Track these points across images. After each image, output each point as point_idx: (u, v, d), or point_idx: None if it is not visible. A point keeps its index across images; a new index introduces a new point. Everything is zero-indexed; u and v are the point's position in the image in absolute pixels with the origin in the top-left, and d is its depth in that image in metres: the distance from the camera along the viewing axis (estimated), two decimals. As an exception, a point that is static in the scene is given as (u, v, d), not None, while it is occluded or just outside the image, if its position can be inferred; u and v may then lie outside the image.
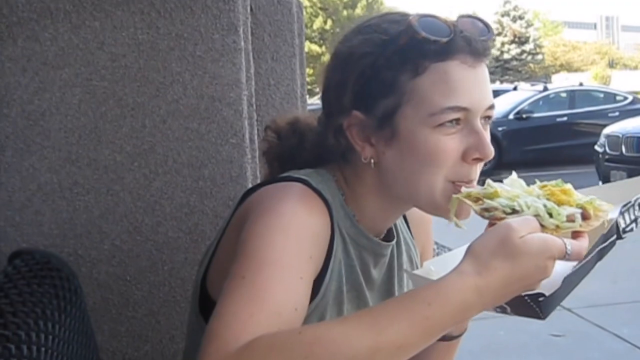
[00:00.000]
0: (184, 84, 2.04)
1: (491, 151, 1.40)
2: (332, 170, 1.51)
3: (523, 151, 18.69)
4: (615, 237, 1.39)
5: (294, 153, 1.57)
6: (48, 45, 1.98)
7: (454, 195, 1.35)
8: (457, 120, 1.37)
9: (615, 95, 20.87)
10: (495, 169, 18.59)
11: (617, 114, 18.30)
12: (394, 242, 1.60)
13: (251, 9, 2.24)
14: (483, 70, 1.41)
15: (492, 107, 1.43)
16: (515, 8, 67.21)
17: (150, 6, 2.03)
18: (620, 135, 12.26)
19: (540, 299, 1.23)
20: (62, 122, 1.99)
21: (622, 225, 1.40)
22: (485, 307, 1.19)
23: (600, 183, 12.64)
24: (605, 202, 1.38)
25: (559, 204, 1.31)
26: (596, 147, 13.07)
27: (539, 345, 5.56)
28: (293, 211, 1.33)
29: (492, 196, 1.31)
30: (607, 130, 13.07)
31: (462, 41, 1.37)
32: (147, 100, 2.03)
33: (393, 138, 1.39)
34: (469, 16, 1.44)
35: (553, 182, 1.37)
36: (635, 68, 77.19)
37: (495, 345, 5.39)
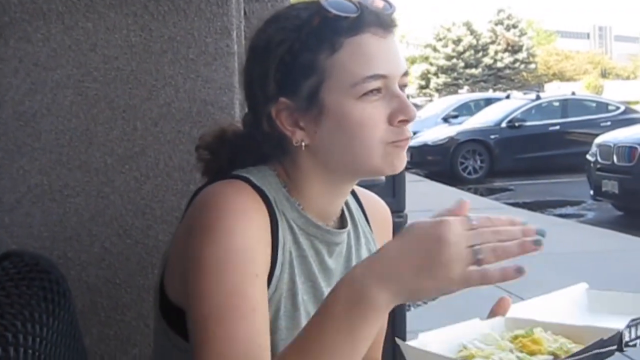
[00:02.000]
0: (176, 87, 2.04)
1: (414, 111, 1.45)
2: (272, 165, 1.54)
3: (515, 159, 18.75)
4: (615, 347, 1.37)
5: (231, 163, 1.58)
6: (40, 46, 1.98)
7: None
8: (378, 88, 1.42)
9: (607, 104, 20.93)
10: (488, 177, 18.77)
11: (609, 123, 18.33)
12: (347, 229, 1.61)
13: (245, 13, 2.24)
14: (393, 41, 1.47)
15: (406, 73, 1.48)
16: (509, 17, 67.42)
17: (144, 9, 2.02)
18: (612, 145, 12.28)
19: None
20: (53, 124, 1.99)
21: (627, 338, 1.40)
22: (401, 294, 1.23)
23: (592, 192, 12.68)
24: (578, 340, 1.41)
25: (531, 354, 1.35)
26: (588, 157, 13.09)
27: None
28: (229, 227, 1.37)
29: (469, 358, 1.33)
30: (599, 140, 13.09)
31: (371, 15, 1.43)
32: (139, 103, 2.02)
33: (321, 116, 1.44)
34: None
35: (523, 332, 1.42)
36: (628, 78, 77.52)
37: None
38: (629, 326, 1.39)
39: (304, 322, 1.45)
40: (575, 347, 1.37)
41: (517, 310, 1.53)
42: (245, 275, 1.35)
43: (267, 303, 1.39)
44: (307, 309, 1.50)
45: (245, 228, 1.37)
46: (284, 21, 1.47)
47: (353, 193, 1.72)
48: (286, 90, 1.46)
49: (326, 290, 1.53)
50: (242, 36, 2.18)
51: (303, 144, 1.46)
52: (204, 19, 2.04)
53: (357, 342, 1.24)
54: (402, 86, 1.47)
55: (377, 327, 1.26)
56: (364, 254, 1.67)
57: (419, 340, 1.39)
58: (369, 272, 1.23)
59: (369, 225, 1.73)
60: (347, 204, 1.68)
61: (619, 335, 1.36)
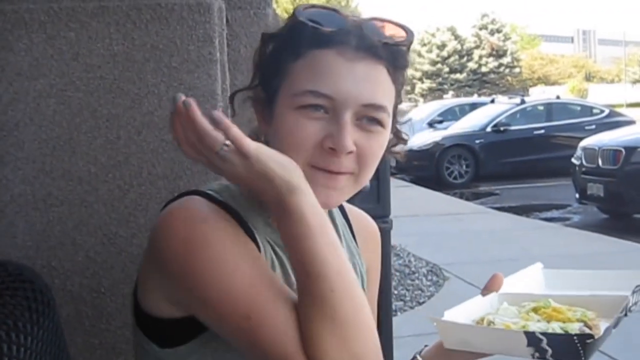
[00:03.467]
0: (159, 96, 2.04)
1: (345, 144, 1.38)
2: None
3: (500, 164, 18.80)
4: (624, 313, 1.49)
5: None
6: (22, 56, 1.97)
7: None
8: (322, 107, 1.39)
9: (592, 108, 21.02)
10: (473, 182, 18.82)
11: (593, 126, 18.42)
12: None
13: (227, 21, 2.24)
14: (366, 68, 1.41)
15: (373, 106, 1.41)
16: (493, 21, 67.70)
17: (126, 17, 2.02)
18: (597, 148, 12.33)
19: (589, 340, 1.29)
20: (36, 133, 1.98)
21: (630, 303, 1.50)
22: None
23: (577, 195, 12.73)
24: (583, 304, 1.52)
25: (562, 322, 1.43)
26: (573, 160, 13.14)
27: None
28: (206, 231, 1.36)
29: (509, 327, 1.42)
30: (583, 143, 13.14)
31: (351, 36, 1.40)
32: (122, 112, 2.02)
33: (272, 116, 1.45)
34: (386, 20, 1.48)
35: (537, 305, 1.51)
36: (612, 81, 77.91)
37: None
38: (634, 292, 1.50)
39: None
40: (592, 314, 1.47)
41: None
42: (247, 257, 1.34)
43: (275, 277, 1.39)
44: None
45: (219, 225, 1.36)
46: (286, 19, 1.49)
47: (342, 209, 1.73)
48: (263, 82, 1.49)
49: None
50: (225, 44, 2.19)
51: (262, 138, 1.47)
52: (186, 27, 2.05)
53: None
54: (364, 117, 1.41)
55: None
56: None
57: (448, 317, 1.47)
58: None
59: (355, 241, 1.72)
60: (331, 217, 1.66)
61: (627, 301, 1.47)
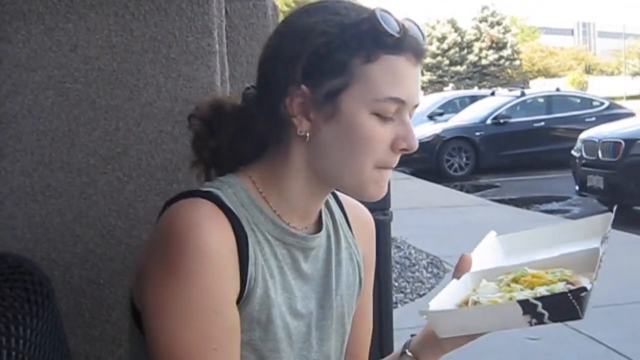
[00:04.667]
0: (158, 87, 2.03)
1: (416, 144, 1.49)
2: (246, 172, 1.55)
3: (500, 156, 18.83)
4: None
5: (231, 147, 1.60)
6: (20, 47, 1.97)
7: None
8: (394, 111, 1.45)
9: (591, 100, 21.05)
10: (474, 174, 18.82)
11: (593, 119, 18.44)
12: (321, 233, 1.62)
13: (226, 12, 2.23)
14: (419, 70, 1.50)
15: (416, 106, 1.51)
16: (493, 14, 67.70)
17: (125, 9, 2.02)
18: (597, 140, 12.34)
19: (582, 293, 1.32)
20: (34, 125, 1.98)
21: (601, 253, 1.55)
22: None
23: (577, 187, 12.74)
24: (556, 265, 1.57)
25: (545, 285, 1.46)
26: (573, 152, 13.16)
27: (516, 349, 5.59)
28: (191, 267, 1.36)
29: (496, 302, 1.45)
30: (583, 135, 13.15)
31: (410, 40, 1.45)
32: (120, 103, 2.02)
33: (333, 116, 1.45)
34: (411, 21, 1.51)
35: (514, 275, 1.55)
36: (612, 74, 77.88)
37: (471, 348, 5.38)
38: (602, 242, 1.59)
39: (280, 332, 1.48)
40: (569, 272, 1.51)
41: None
42: (204, 316, 1.36)
43: (232, 334, 1.40)
44: (284, 319, 1.50)
45: (206, 263, 1.36)
46: (332, 14, 1.47)
47: (336, 198, 1.75)
48: (310, 80, 1.45)
49: (299, 299, 1.55)
50: (224, 35, 2.18)
51: (307, 135, 1.47)
52: (185, 18, 2.04)
53: None
54: (410, 117, 1.50)
55: None
56: (344, 257, 1.69)
57: (435, 306, 1.50)
58: None
59: (351, 231, 1.74)
60: (329, 207, 1.70)
61: (599, 253, 1.53)
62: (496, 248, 1.82)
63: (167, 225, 1.41)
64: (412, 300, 7.04)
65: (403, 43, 1.43)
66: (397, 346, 3.05)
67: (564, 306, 1.32)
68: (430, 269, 8.12)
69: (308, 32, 1.46)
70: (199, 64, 2.05)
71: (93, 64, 2.00)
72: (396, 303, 6.71)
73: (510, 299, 1.42)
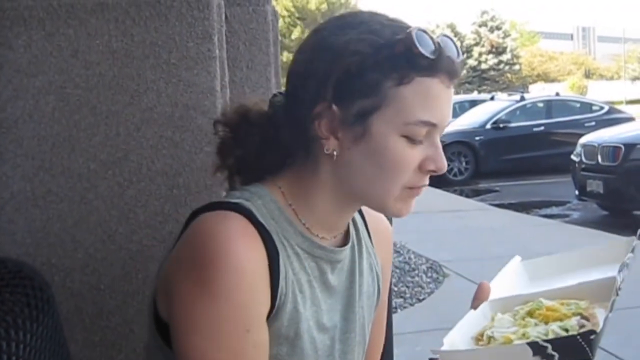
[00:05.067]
0: (159, 92, 2.03)
1: (445, 165, 1.48)
2: (274, 182, 1.53)
3: (500, 161, 18.82)
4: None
5: (258, 157, 1.57)
6: (21, 53, 1.97)
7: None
8: (425, 134, 1.44)
9: (591, 105, 21.05)
10: (473, 179, 18.82)
11: (593, 123, 18.43)
12: (349, 245, 1.61)
13: (226, 17, 2.24)
14: (452, 92, 1.47)
15: (445, 127, 1.50)
16: (492, 18, 67.76)
17: (125, 14, 2.02)
18: (597, 145, 12.33)
19: (592, 336, 1.30)
20: (35, 130, 1.98)
21: (618, 283, 1.53)
22: None
23: (577, 192, 12.73)
24: (578, 298, 1.55)
25: (559, 320, 1.46)
26: (572, 157, 13.14)
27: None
28: (224, 286, 1.34)
29: (506, 341, 1.44)
30: (583, 140, 13.14)
31: (445, 61, 1.42)
32: (121, 108, 2.02)
33: (363, 137, 1.42)
34: (447, 36, 1.48)
35: (530, 307, 1.54)
36: (612, 78, 77.91)
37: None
38: (619, 271, 1.55)
39: (307, 347, 1.47)
40: (585, 304, 1.50)
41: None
42: (236, 334, 1.35)
43: (262, 352, 1.40)
44: (311, 334, 1.49)
45: (241, 283, 1.34)
46: (367, 32, 1.42)
47: (359, 211, 1.73)
48: (340, 99, 1.42)
49: (325, 312, 1.54)
50: (224, 40, 2.18)
51: (335, 153, 1.45)
52: (185, 24, 2.04)
53: None
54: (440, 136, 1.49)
55: None
56: (365, 267, 1.67)
57: (448, 344, 1.48)
58: None
59: (371, 241, 1.73)
60: (352, 218, 1.68)
61: (616, 283, 1.51)
62: (520, 273, 1.81)
63: (200, 240, 1.38)
64: (411, 305, 7.03)
65: (437, 64, 1.41)
66: (397, 351, 3.05)
67: (574, 348, 1.31)
68: (429, 274, 8.11)
69: (341, 50, 1.42)
70: (199, 69, 2.06)
71: (94, 69, 2.01)
72: (396, 308, 6.70)
73: (524, 334, 1.42)
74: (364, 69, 1.40)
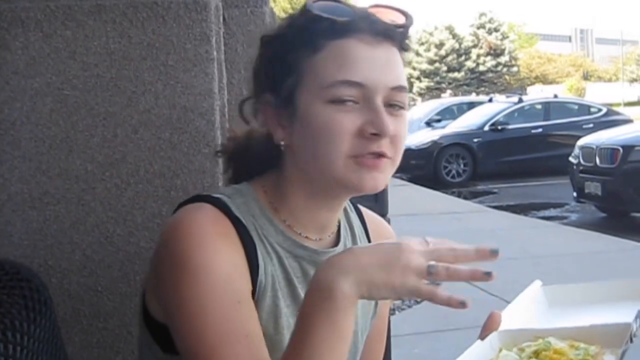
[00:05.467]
0: (156, 94, 2.03)
1: (386, 127, 1.38)
2: (260, 182, 1.54)
3: (498, 162, 18.83)
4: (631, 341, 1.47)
5: (251, 166, 1.59)
6: (19, 54, 1.97)
7: None
8: (352, 96, 1.38)
9: (589, 107, 21.05)
10: (471, 180, 18.84)
11: (591, 125, 18.45)
12: (337, 248, 1.58)
13: (224, 19, 2.23)
14: (387, 52, 1.42)
15: (398, 88, 1.43)
16: (490, 20, 67.80)
17: (123, 16, 2.02)
18: (595, 147, 12.34)
19: None
20: (32, 132, 1.98)
21: (634, 329, 1.48)
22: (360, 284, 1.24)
23: (575, 194, 12.73)
24: (588, 340, 1.49)
25: None
26: (571, 159, 13.15)
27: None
28: (200, 262, 1.35)
29: None
30: (581, 142, 13.15)
31: (364, 22, 1.41)
32: (118, 110, 2.02)
33: (294, 116, 1.43)
34: (385, 6, 1.47)
35: (538, 346, 1.48)
36: (610, 80, 77.98)
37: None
38: (636, 317, 1.49)
39: (286, 343, 1.43)
40: (595, 349, 1.44)
41: None
42: (227, 305, 1.34)
43: (257, 322, 1.38)
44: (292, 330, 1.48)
45: (216, 258, 1.36)
46: (286, 19, 1.47)
47: (358, 212, 1.73)
48: (271, 86, 1.45)
49: None
50: (222, 42, 2.18)
51: (282, 143, 1.46)
52: (183, 26, 2.04)
53: (341, 333, 1.25)
54: (393, 102, 1.42)
55: (352, 315, 1.27)
56: None
57: None
58: (331, 267, 1.25)
59: (369, 241, 1.71)
60: (349, 221, 1.67)
61: (630, 330, 1.45)
62: (539, 300, 1.76)
63: (173, 227, 1.41)
64: (409, 307, 7.02)
65: (351, 25, 1.39)
66: (395, 353, 3.05)
67: None
68: (428, 276, 8.11)
69: (264, 40, 1.49)
70: (197, 71, 2.06)
71: (91, 70, 2.01)
72: (394, 310, 6.69)
73: None
74: (283, 51, 1.44)
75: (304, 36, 1.41)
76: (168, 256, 1.39)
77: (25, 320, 1.53)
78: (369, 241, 1.70)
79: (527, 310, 1.67)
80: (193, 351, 1.33)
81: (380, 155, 1.40)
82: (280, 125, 1.46)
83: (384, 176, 1.43)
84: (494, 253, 1.27)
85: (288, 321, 1.47)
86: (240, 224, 1.43)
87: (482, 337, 1.46)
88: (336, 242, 1.60)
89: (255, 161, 1.58)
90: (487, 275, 1.24)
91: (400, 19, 1.46)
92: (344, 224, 1.65)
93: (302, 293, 1.49)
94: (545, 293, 1.77)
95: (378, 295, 1.25)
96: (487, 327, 1.45)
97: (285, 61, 1.43)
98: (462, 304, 1.24)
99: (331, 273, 1.24)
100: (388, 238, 1.74)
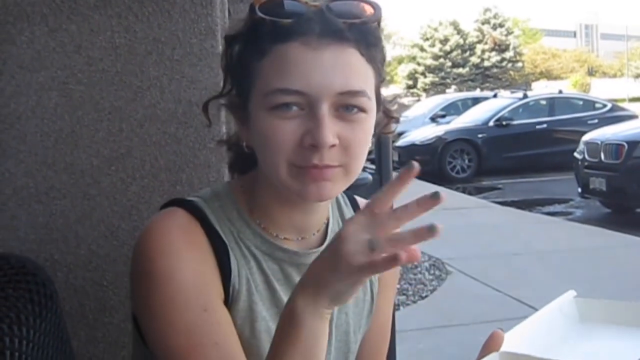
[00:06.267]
0: (162, 88, 2.03)
1: (324, 138, 1.30)
2: (239, 183, 1.53)
3: (503, 158, 18.80)
4: None
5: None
6: (24, 49, 1.97)
7: None
8: (296, 104, 1.32)
9: (594, 102, 21.01)
10: (476, 176, 18.82)
11: (596, 121, 18.40)
12: (320, 249, 1.50)
13: (229, 13, 2.23)
14: (334, 54, 1.32)
15: (350, 93, 1.33)
16: (495, 16, 67.72)
17: (128, 10, 2.02)
18: (600, 142, 12.32)
19: None
20: (38, 126, 1.98)
21: None
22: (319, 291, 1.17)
23: (580, 190, 12.72)
24: None
25: None
26: (575, 154, 13.13)
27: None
28: (165, 270, 1.35)
29: None
30: (586, 138, 13.13)
31: (312, 23, 1.32)
32: (124, 104, 2.02)
33: (249, 120, 1.39)
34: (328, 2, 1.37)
35: None
36: (615, 76, 77.85)
37: (474, 350, 5.36)
38: None
39: (263, 347, 1.40)
40: None
41: (511, 338, 1.36)
42: (193, 314, 1.33)
43: (230, 330, 1.37)
44: (271, 335, 1.38)
45: (180, 267, 1.34)
46: (246, 16, 1.40)
47: (353, 203, 1.67)
48: (235, 86, 1.44)
49: None
50: (227, 37, 2.18)
51: (244, 144, 1.45)
52: (188, 20, 2.04)
53: (311, 351, 1.21)
54: (347, 105, 1.34)
55: (322, 330, 1.21)
56: None
57: None
58: (296, 289, 1.21)
59: None
60: (342, 214, 1.63)
61: None
62: (569, 313, 1.59)
63: (141, 236, 1.41)
64: (414, 302, 7.03)
65: (295, 28, 1.31)
66: (400, 348, 3.05)
67: None
68: (432, 271, 8.11)
69: (227, 40, 1.45)
70: (203, 66, 2.06)
71: (96, 65, 2.01)
72: (398, 305, 6.69)
73: None
74: (239, 53, 1.41)
75: (252, 39, 1.36)
76: (136, 265, 1.39)
77: (31, 314, 1.53)
78: None
79: (551, 322, 1.52)
80: (166, 356, 1.33)
81: (323, 167, 1.34)
82: (242, 125, 1.44)
83: (332, 184, 1.36)
84: (435, 197, 1.16)
85: (267, 325, 1.44)
86: (212, 229, 1.41)
87: (480, 358, 1.33)
88: (322, 241, 1.55)
89: (244, 158, 1.54)
90: (432, 230, 1.14)
91: (368, 12, 1.37)
92: (335, 219, 1.60)
93: (283, 295, 1.46)
94: (578, 306, 1.60)
95: (342, 298, 1.18)
96: (487, 347, 1.33)
97: (241, 63, 1.40)
98: (430, 230, 1.14)
99: (294, 294, 1.20)
100: None
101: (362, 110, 1.35)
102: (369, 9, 1.37)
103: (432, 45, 65.88)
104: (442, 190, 1.14)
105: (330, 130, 1.31)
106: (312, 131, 1.30)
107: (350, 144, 1.35)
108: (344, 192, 1.55)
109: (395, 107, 1.55)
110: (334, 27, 1.32)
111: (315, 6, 1.33)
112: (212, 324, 1.34)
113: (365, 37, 1.36)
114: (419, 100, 37.13)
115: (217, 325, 1.35)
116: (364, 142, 1.38)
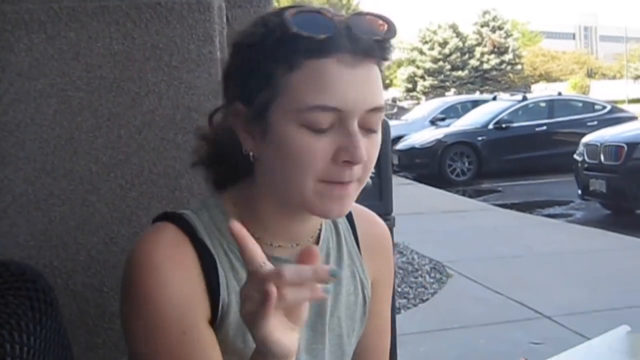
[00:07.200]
0: (160, 95, 2.04)
1: (361, 155, 1.30)
2: (229, 193, 1.51)
3: (502, 161, 18.80)
4: None
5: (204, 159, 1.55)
6: (23, 56, 1.98)
7: None
8: (330, 121, 1.31)
9: (594, 104, 21.00)
10: (476, 179, 18.82)
11: (595, 123, 18.38)
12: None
13: (227, 19, 2.24)
14: (366, 71, 1.33)
15: (375, 110, 1.34)
16: (494, 18, 67.77)
17: (126, 17, 2.02)
18: (599, 144, 12.31)
19: None
20: (37, 133, 1.98)
21: None
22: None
23: (579, 192, 12.71)
24: None
25: None
26: (575, 156, 13.12)
27: (520, 354, 5.58)
28: (148, 293, 1.35)
29: None
30: (585, 139, 13.12)
31: (344, 39, 1.31)
32: (122, 111, 2.02)
33: (266, 132, 1.35)
34: (368, 14, 1.37)
35: None
36: (614, 77, 77.86)
37: (476, 353, 5.40)
38: None
39: None
40: None
41: None
42: (171, 335, 1.34)
43: (211, 353, 1.37)
44: None
45: (160, 290, 1.34)
46: (261, 25, 1.36)
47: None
48: (243, 95, 1.38)
49: None
50: (225, 42, 2.18)
51: (251, 154, 1.40)
52: (186, 26, 2.04)
53: None
54: (367, 124, 1.34)
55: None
56: (345, 275, 1.59)
57: None
58: None
59: (358, 247, 1.65)
60: (334, 223, 1.62)
61: None
62: (619, 348, 1.56)
63: (127, 256, 1.41)
64: (415, 305, 7.02)
65: (331, 44, 1.29)
66: (401, 352, 3.05)
67: None
68: (433, 274, 8.11)
69: (237, 46, 1.41)
70: (201, 72, 2.06)
71: (95, 72, 2.01)
72: (399, 308, 6.69)
73: None
74: (258, 61, 1.35)
75: (281, 51, 1.32)
76: (122, 284, 1.41)
77: (31, 321, 1.53)
78: (356, 239, 1.64)
79: (599, 357, 1.51)
80: None
81: (349, 183, 1.35)
82: (250, 136, 1.40)
83: (351, 200, 1.38)
84: (332, 274, 1.15)
85: None
86: (200, 243, 1.41)
87: None
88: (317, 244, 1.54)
89: (229, 169, 1.51)
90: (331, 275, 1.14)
91: (383, 28, 1.36)
92: (328, 224, 1.60)
93: None
94: (631, 341, 1.57)
95: (266, 343, 1.17)
96: None
97: (260, 73, 1.35)
98: (330, 275, 1.13)
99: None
100: (379, 239, 1.70)
101: (375, 130, 1.37)
102: (386, 25, 1.37)
103: (432, 49, 65.95)
104: (442, 194, 1.13)
105: (364, 146, 1.32)
106: (347, 148, 1.30)
107: (370, 159, 1.36)
108: None
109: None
110: (365, 44, 1.32)
111: (341, 22, 1.32)
112: (192, 347, 1.35)
113: (384, 53, 1.37)
114: (418, 103, 37.10)
115: (198, 350, 1.35)
116: (377, 156, 1.39)
